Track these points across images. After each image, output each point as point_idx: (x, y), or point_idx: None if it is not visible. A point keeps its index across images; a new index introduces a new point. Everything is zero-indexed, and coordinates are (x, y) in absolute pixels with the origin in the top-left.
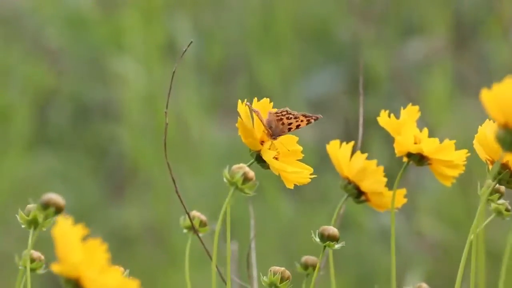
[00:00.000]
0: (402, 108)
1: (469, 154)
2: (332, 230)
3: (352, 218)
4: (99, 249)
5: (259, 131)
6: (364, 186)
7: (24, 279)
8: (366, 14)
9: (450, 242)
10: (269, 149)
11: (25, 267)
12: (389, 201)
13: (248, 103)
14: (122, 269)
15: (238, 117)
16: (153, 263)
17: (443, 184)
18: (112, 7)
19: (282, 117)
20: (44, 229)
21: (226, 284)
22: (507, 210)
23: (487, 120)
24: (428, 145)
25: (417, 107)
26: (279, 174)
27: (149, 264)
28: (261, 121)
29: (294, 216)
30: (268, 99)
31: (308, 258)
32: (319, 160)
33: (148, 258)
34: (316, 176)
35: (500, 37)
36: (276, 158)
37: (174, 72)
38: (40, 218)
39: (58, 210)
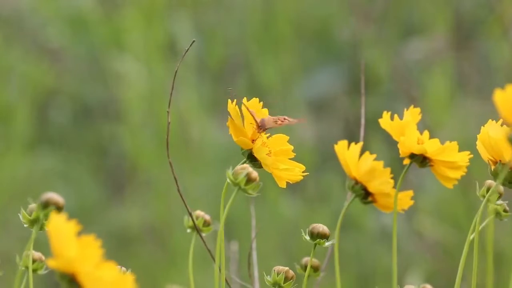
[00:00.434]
0: (403, 108)
1: (471, 155)
2: (322, 228)
3: (353, 218)
4: (93, 245)
5: (250, 130)
6: (372, 187)
7: (25, 279)
8: (366, 14)
9: (450, 242)
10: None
11: (26, 267)
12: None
13: (243, 102)
14: (123, 268)
15: (228, 117)
16: (153, 262)
17: (444, 186)
18: (113, 6)
19: (278, 120)
20: (46, 228)
21: (227, 284)
22: (505, 211)
23: (490, 120)
24: (432, 146)
25: (419, 109)
26: (271, 172)
27: (149, 263)
28: (251, 115)
29: (295, 216)
30: (257, 99)
31: (308, 260)
32: (320, 160)
33: (148, 257)
34: (308, 174)
35: (501, 37)
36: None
37: (176, 72)
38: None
39: (58, 209)
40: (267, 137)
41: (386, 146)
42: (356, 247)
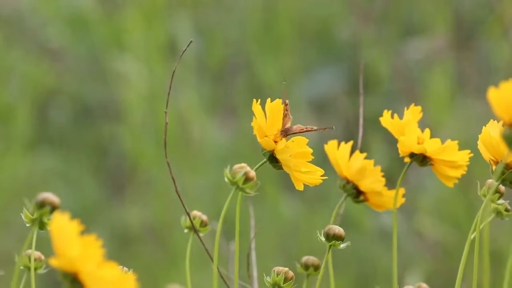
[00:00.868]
0: (403, 108)
1: (471, 154)
2: (338, 229)
3: (352, 218)
4: (95, 244)
5: (272, 131)
6: (363, 185)
7: (24, 279)
8: (366, 14)
9: (450, 242)
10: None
11: (26, 267)
12: (388, 200)
13: (286, 101)
14: (124, 268)
15: (253, 117)
16: (153, 262)
17: (445, 185)
18: (113, 6)
19: (304, 128)
20: (47, 228)
21: (226, 284)
22: (506, 210)
23: (491, 120)
24: (432, 145)
25: (419, 108)
26: (290, 173)
27: (149, 263)
28: (287, 114)
29: (294, 216)
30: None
31: (308, 259)
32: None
33: (148, 257)
34: (327, 178)
35: (501, 36)
36: None
37: (174, 71)
38: (45, 217)
39: (54, 209)
40: (286, 140)
41: (386, 146)
42: (356, 247)
